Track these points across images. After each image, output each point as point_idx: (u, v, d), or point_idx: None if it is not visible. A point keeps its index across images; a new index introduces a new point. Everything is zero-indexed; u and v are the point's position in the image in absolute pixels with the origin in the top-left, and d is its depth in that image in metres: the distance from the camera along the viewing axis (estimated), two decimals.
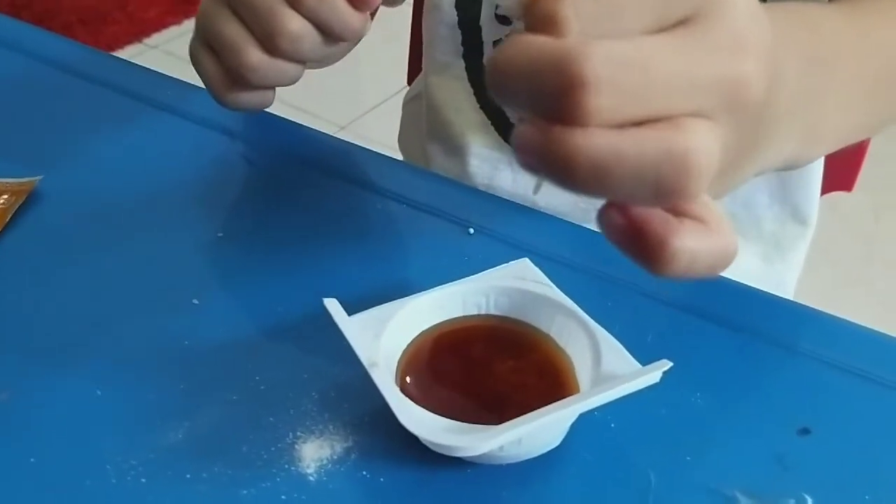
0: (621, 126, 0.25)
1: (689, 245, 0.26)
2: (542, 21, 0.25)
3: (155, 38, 2.20)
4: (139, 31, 2.22)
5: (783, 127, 0.32)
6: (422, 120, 0.70)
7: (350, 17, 0.42)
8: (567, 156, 0.25)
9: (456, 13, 0.62)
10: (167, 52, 2.12)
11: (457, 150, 0.66)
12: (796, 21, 0.34)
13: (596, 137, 0.24)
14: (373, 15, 0.67)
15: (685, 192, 0.25)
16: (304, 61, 0.44)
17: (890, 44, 0.39)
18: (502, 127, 0.64)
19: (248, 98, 0.46)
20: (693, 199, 0.26)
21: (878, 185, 1.57)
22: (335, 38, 0.43)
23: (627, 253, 0.27)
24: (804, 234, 0.66)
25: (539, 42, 0.25)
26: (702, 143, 0.25)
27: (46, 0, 2.30)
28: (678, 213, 0.27)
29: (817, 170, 0.63)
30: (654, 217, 0.26)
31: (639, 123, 0.25)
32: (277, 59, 0.43)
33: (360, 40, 0.65)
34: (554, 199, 0.64)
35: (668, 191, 0.25)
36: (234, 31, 0.43)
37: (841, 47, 0.36)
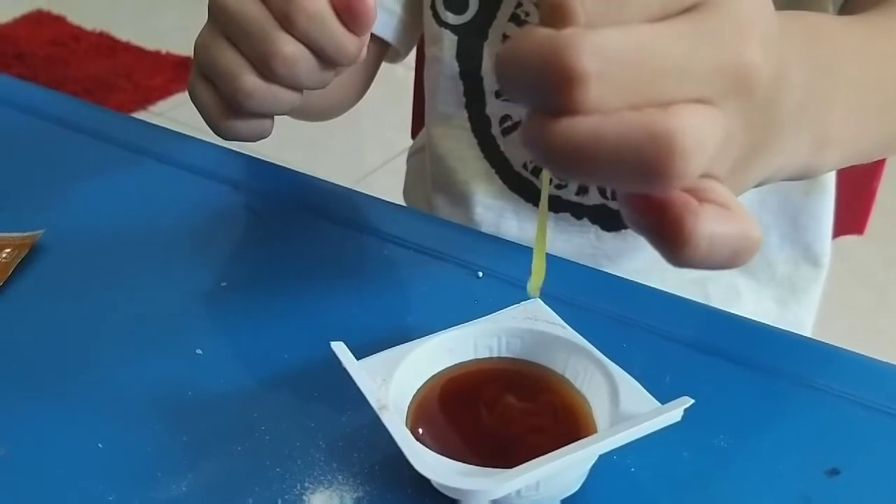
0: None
1: (710, 227, 0.26)
2: (549, 13, 0.25)
3: (160, 106, 2.23)
4: (144, 98, 2.25)
5: (792, 130, 0.31)
6: (426, 172, 0.70)
7: (344, 39, 0.42)
8: (553, 144, 0.25)
9: (457, 64, 0.62)
10: (172, 119, 2.14)
11: (462, 200, 0.66)
12: (801, 27, 0.34)
13: (580, 121, 0.25)
14: (375, 70, 0.68)
15: (671, 173, 0.25)
16: (300, 87, 0.44)
17: None
18: (506, 175, 0.63)
19: (245, 126, 0.45)
20: (683, 180, 0.25)
21: (887, 235, 1.56)
22: (331, 63, 0.43)
23: (648, 236, 0.27)
24: (818, 275, 0.65)
25: (539, 34, 0.25)
26: (687, 124, 0.25)
27: (52, 70, 2.34)
28: (699, 197, 0.26)
29: (828, 209, 0.62)
30: (675, 199, 0.26)
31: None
32: (273, 84, 0.43)
33: (362, 89, 0.65)
34: (563, 244, 0.63)
35: (651, 172, 0.25)
36: (229, 59, 0.42)
37: (847, 56, 0.36)
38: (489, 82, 0.61)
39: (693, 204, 0.26)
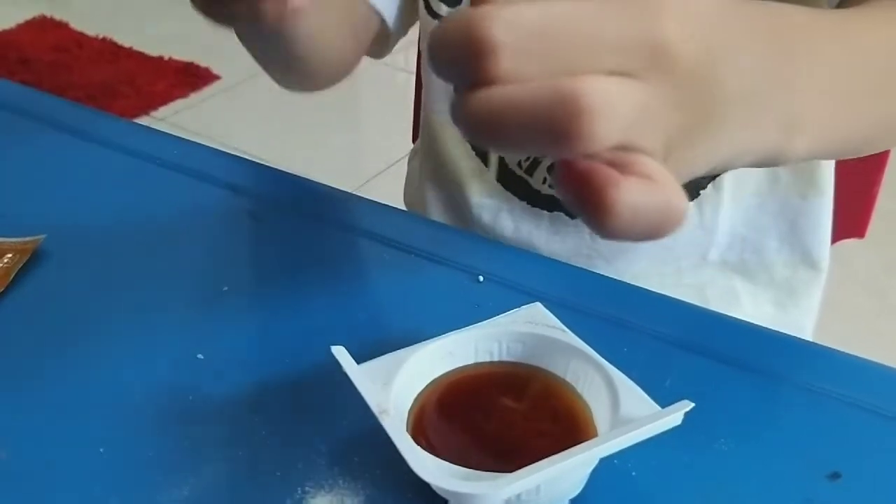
0: None
1: (632, 197, 0.26)
2: None
3: (162, 111, 2.23)
4: (147, 104, 2.25)
5: (745, 111, 0.31)
6: (423, 170, 0.69)
7: None
8: (468, 113, 0.26)
9: None
10: (174, 125, 2.14)
11: (456, 198, 0.66)
12: (764, 12, 0.34)
13: (493, 90, 0.26)
14: (367, 38, 0.66)
15: (580, 134, 0.25)
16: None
17: (885, 45, 0.39)
18: (499, 173, 0.63)
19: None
20: (593, 142, 0.26)
21: (887, 238, 1.56)
22: None
23: (576, 209, 0.28)
24: (817, 278, 0.65)
25: (461, 12, 0.26)
26: (595, 87, 0.26)
27: (55, 76, 2.35)
28: (625, 171, 0.27)
29: (826, 212, 0.62)
30: (597, 169, 0.27)
31: None
32: None
33: (353, 57, 0.63)
34: (558, 244, 0.63)
35: (563, 133, 0.25)
36: None
37: (825, 40, 0.36)
38: None
39: (614, 176, 0.26)
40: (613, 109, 0.26)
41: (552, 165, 0.28)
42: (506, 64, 0.25)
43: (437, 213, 0.68)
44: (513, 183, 0.63)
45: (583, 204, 0.27)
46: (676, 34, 0.27)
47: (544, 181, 0.62)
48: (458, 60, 0.26)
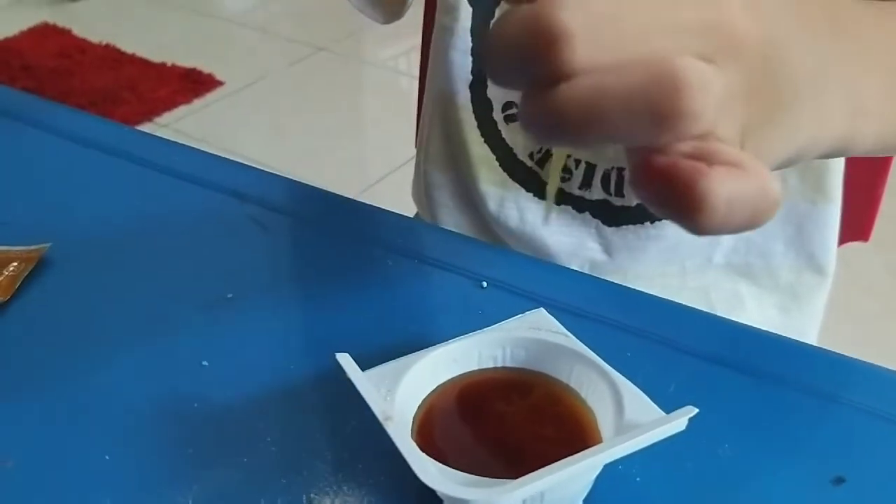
0: None
1: (725, 187, 0.25)
2: None
3: (165, 118, 2.24)
4: (149, 110, 2.26)
5: (814, 95, 0.31)
6: (427, 157, 0.69)
7: None
8: (556, 108, 0.25)
9: (471, 39, 0.61)
10: (177, 131, 2.15)
11: (465, 185, 0.65)
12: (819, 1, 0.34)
13: (579, 81, 0.25)
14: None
15: (681, 111, 0.25)
16: None
17: None
18: (507, 163, 0.63)
19: None
20: (695, 120, 0.25)
21: (892, 242, 1.56)
22: None
23: (664, 209, 0.26)
24: (822, 283, 0.65)
25: (520, 10, 0.25)
26: (690, 63, 0.25)
27: (58, 82, 2.36)
28: (710, 163, 0.26)
29: (834, 219, 0.62)
30: (682, 163, 0.26)
31: None
32: None
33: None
34: (565, 237, 0.63)
35: (664, 113, 0.25)
36: None
37: (868, 29, 0.35)
38: None
39: (702, 167, 0.25)
40: (710, 84, 0.25)
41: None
42: (582, 53, 0.24)
43: (443, 199, 0.67)
44: (521, 174, 0.62)
45: (671, 202, 0.26)
46: (741, 19, 0.27)
47: (562, 174, 0.62)
48: (528, 57, 0.25)
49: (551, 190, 0.58)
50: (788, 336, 0.48)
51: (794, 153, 0.31)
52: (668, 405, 0.36)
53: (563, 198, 0.62)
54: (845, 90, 0.33)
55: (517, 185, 0.63)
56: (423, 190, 0.70)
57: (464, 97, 0.62)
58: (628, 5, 0.25)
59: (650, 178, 0.26)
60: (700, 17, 0.26)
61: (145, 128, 2.21)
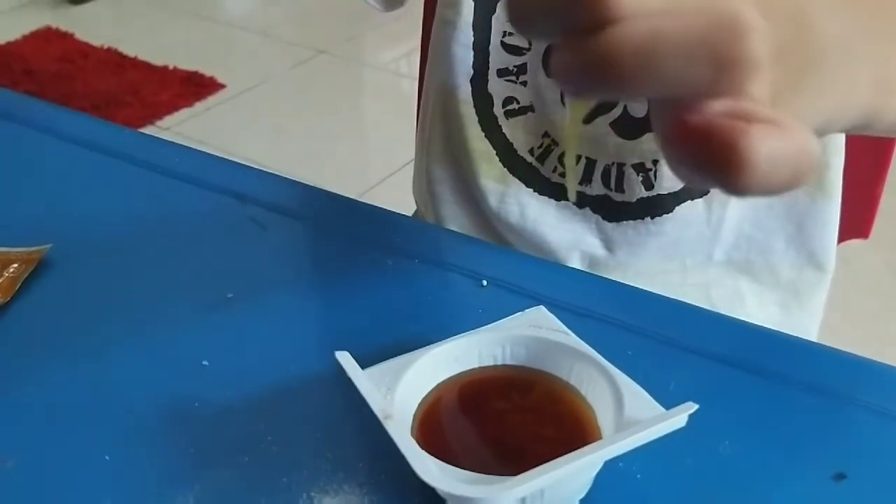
0: None
1: (766, 145, 0.24)
2: None
3: (167, 121, 2.24)
4: (151, 114, 2.26)
5: (841, 61, 0.30)
6: (426, 153, 0.69)
7: None
8: (608, 53, 0.24)
9: (472, 32, 0.61)
10: (178, 134, 2.15)
11: (466, 180, 0.65)
12: None
13: (632, 24, 0.24)
14: None
15: (743, 55, 0.24)
16: None
17: None
18: (507, 158, 0.63)
19: None
20: (757, 67, 0.24)
21: (891, 240, 1.56)
22: None
23: (701, 169, 0.25)
24: (822, 280, 0.65)
25: None
26: (748, 9, 0.24)
27: (60, 86, 2.36)
28: (747, 120, 0.25)
29: (834, 215, 0.62)
30: (721, 121, 0.25)
31: None
32: None
33: None
34: (564, 232, 0.62)
35: (724, 56, 0.24)
36: None
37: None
38: (494, 59, 0.61)
39: (741, 125, 0.24)
40: (762, 30, 0.24)
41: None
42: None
43: (444, 194, 0.67)
44: (521, 169, 0.62)
45: (710, 162, 0.25)
46: None
47: (554, 170, 0.62)
48: (569, 6, 0.24)
49: (571, 186, 0.58)
50: (789, 333, 0.48)
51: (820, 121, 0.31)
52: (669, 402, 0.36)
53: (562, 193, 0.62)
54: (874, 63, 0.32)
55: (517, 181, 0.63)
56: (424, 185, 0.70)
57: (465, 92, 0.62)
58: None
59: (686, 139, 0.25)
60: None
61: (147, 131, 2.21)
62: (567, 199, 0.62)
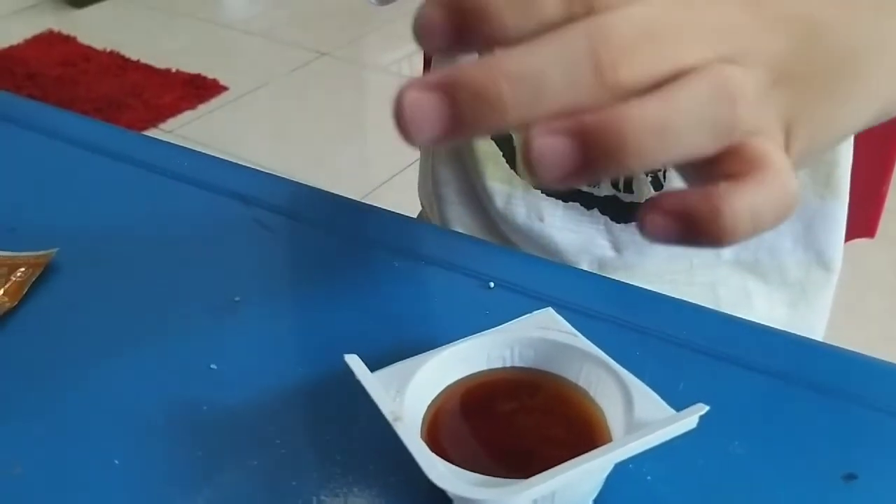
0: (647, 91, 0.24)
1: (746, 203, 0.25)
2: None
3: (170, 123, 2.24)
4: (154, 117, 2.26)
5: (864, 62, 0.30)
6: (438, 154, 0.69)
7: None
8: (623, 131, 0.24)
9: None
10: (182, 137, 2.15)
11: (472, 182, 0.65)
12: None
13: (645, 103, 0.24)
14: None
15: (738, 122, 0.25)
16: None
17: None
18: (514, 159, 0.63)
19: None
20: (744, 127, 0.25)
21: None
22: None
23: (689, 243, 0.26)
24: (829, 279, 0.65)
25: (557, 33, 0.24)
26: (730, 70, 0.25)
27: (63, 90, 2.36)
28: (722, 173, 0.26)
29: (841, 215, 0.62)
30: (694, 195, 0.25)
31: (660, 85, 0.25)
32: None
33: None
34: (573, 234, 0.62)
35: (725, 126, 0.25)
36: None
37: None
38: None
39: (714, 190, 0.25)
40: (748, 90, 0.25)
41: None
42: (624, 72, 0.24)
43: (450, 195, 0.67)
44: None
45: (696, 234, 0.25)
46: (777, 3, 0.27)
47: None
48: (571, 83, 0.24)
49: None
50: (796, 333, 0.48)
51: (870, 118, 0.31)
52: (678, 403, 0.36)
53: (570, 195, 0.62)
54: (891, 55, 0.32)
55: (524, 182, 0.62)
56: (429, 186, 0.70)
57: None
58: (659, 19, 0.25)
59: (664, 221, 0.25)
60: (729, 20, 0.26)
61: (150, 134, 2.21)
62: (575, 201, 0.62)
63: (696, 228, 0.25)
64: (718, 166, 0.26)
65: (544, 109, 0.24)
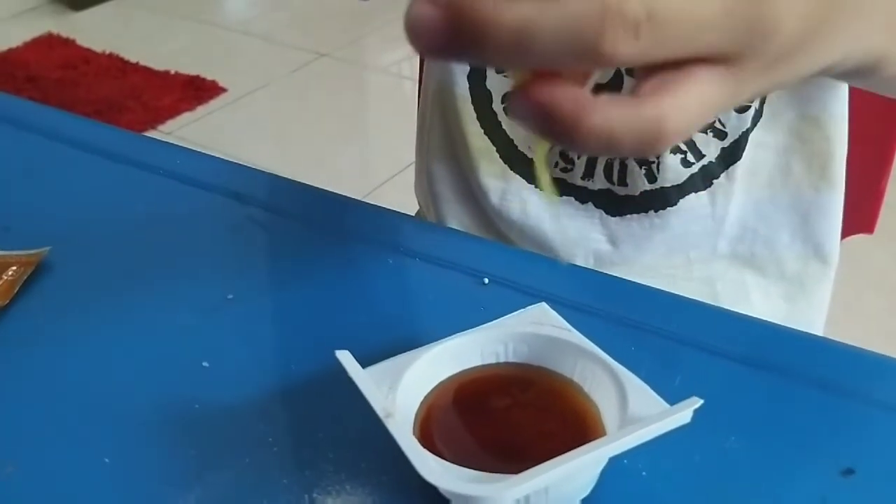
0: None
1: (606, 121, 0.26)
2: None
3: (169, 125, 2.24)
4: (153, 118, 2.26)
5: (857, 12, 0.31)
6: (429, 147, 0.68)
7: None
8: (482, 24, 0.24)
9: None
10: (181, 139, 2.15)
11: (467, 178, 0.65)
12: None
13: (516, 6, 0.24)
14: None
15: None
16: None
17: None
18: (508, 154, 0.62)
19: None
20: (619, 62, 0.25)
21: None
22: None
23: (540, 133, 0.27)
24: (827, 272, 0.64)
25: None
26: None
27: (62, 93, 2.36)
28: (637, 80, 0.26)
29: (837, 205, 0.61)
30: (565, 95, 0.26)
31: None
32: None
33: None
34: (567, 228, 0.62)
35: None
36: None
37: None
38: None
39: (584, 100, 0.26)
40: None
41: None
42: (633, 44, 0.24)
43: (446, 192, 0.66)
44: (521, 166, 0.62)
45: (550, 131, 0.26)
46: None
47: (556, 165, 0.61)
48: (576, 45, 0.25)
49: (544, 183, 0.57)
50: (795, 326, 0.47)
51: (823, 66, 0.31)
52: (674, 399, 0.36)
53: (565, 189, 0.61)
54: (886, 7, 0.32)
55: (518, 177, 0.62)
56: (425, 184, 0.70)
57: (462, 88, 0.62)
58: (668, 5, 0.25)
59: (528, 107, 0.26)
60: (731, 18, 0.26)
61: (149, 136, 2.21)
62: (569, 195, 0.62)
63: (553, 127, 0.26)
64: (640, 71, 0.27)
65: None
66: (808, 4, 0.28)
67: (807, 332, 0.46)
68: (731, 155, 0.59)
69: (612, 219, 0.61)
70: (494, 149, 0.62)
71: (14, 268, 0.50)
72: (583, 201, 0.61)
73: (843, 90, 0.58)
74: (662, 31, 0.25)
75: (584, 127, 0.26)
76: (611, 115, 0.26)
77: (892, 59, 0.34)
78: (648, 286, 0.49)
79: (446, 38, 0.25)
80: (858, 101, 0.59)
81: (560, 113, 0.26)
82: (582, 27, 0.24)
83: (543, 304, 0.42)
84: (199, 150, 0.63)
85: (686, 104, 0.26)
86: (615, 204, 0.61)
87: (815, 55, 0.30)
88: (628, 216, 0.60)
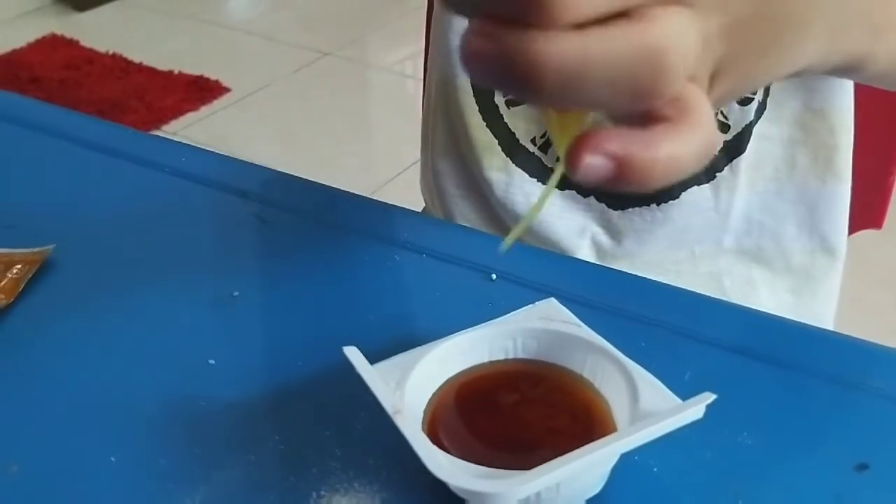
0: (585, 25, 0.23)
1: (675, 150, 0.25)
2: None
3: (173, 125, 2.24)
4: (157, 118, 2.26)
5: (833, 10, 0.30)
6: (433, 140, 0.68)
7: None
8: (531, 63, 0.23)
9: None
10: (184, 138, 2.15)
11: (471, 171, 0.64)
12: None
13: (561, 41, 0.23)
14: None
15: (661, 92, 0.24)
16: None
17: None
18: (510, 148, 0.62)
19: None
20: (667, 94, 0.24)
21: None
22: None
23: (615, 185, 0.26)
24: (834, 265, 0.64)
25: None
26: (673, 39, 0.24)
27: (66, 93, 2.36)
28: (652, 114, 0.25)
29: (844, 198, 0.61)
30: (633, 140, 0.25)
31: (604, 21, 0.24)
32: None
33: None
34: (569, 221, 0.62)
35: (643, 92, 0.24)
36: None
37: None
38: None
39: (654, 138, 0.25)
40: (687, 61, 0.24)
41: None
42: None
43: (450, 187, 0.66)
44: (523, 159, 0.62)
45: (631, 176, 0.25)
46: None
47: (557, 159, 0.61)
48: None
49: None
50: (803, 319, 0.47)
51: (803, 66, 0.31)
52: (684, 393, 0.35)
53: (566, 182, 0.61)
54: (865, 9, 0.32)
55: (520, 171, 0.62)
56: (430, 180, 0.69)
57: (464, 81, 0.62)
58: None
59: (603, 166, 0.25)
60: None
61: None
62: (571, 188, 0.61)
63: (630, 173, 0.25)
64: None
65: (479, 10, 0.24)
66: None
67: (819, 327, 0.46)
68: (735, 148, 0.58)
69: (615, 213, 0.61)
70: (496, 142, 0.62)
71: (19, 266, 0.50)
72: (584, 195, 0.61)
73: (847, 82, 0.58)
74: None
75: (545, 54, 0.23)
76: (587, 39, 0.24)
77: (869, 61, 0.34)
78: (657, 281, 0.49)
79: (499, 78, 0.24)
80: (864, 96, 0.59)
81: (636, 159, 0.25)
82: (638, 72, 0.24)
83: (552, 300, 0.42)
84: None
85: (677, 23, 0.25)
86: (616, 197, 0.60)
87: (788, 49, 0.30)
88: (630, 210, 0.60)
